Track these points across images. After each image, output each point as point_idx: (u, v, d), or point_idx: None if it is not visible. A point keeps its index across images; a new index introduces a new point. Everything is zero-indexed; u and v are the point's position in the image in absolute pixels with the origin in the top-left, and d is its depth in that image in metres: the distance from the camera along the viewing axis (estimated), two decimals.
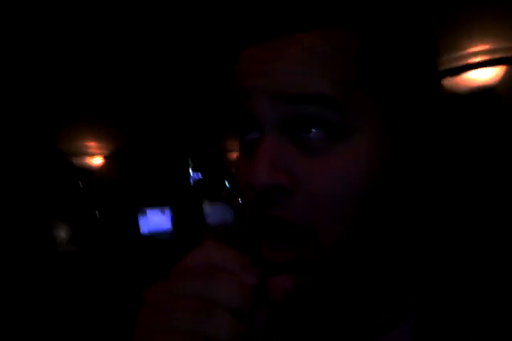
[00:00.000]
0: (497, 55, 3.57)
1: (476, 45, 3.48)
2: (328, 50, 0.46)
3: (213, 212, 6.54)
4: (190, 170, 6.38)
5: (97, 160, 5.42)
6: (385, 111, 0.49)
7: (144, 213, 5.96)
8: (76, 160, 5.27)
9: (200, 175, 6.69)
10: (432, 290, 0.50)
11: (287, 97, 0.47)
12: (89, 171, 5.33)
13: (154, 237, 5.83)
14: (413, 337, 0.48)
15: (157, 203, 6.07)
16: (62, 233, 4.90)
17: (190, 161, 6.26)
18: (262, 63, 0.48)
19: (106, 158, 5.52)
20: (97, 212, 5.17)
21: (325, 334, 0.55)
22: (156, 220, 6.07)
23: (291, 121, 0.49)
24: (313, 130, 0.48)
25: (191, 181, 6.44)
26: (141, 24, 3.58)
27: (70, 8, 3.21)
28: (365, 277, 0.53)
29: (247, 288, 0.41)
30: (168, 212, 6.22)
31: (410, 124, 0.51)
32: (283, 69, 0.47)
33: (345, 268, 0.51)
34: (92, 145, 5.38)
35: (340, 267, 0.50)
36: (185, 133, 5.92)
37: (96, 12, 3.33)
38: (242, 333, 0.39)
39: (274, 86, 0.48)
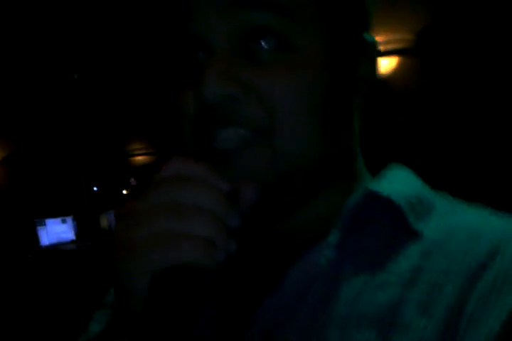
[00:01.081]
0: (389, 46, 3.74)
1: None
2: None
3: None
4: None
5: None
6: (329, 38, 0.50)
7: (43, 223, 5.60)
8: None
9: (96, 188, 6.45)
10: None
11: (240, 3, 0.47)
12: None
13: (57, 248, 5.50)
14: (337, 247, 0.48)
15: (57, 213, 5.74)
16: None
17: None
18: None
19: None
20: None
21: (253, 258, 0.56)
22: (57, 231, 5.73)
23: (240, 33, 0.48)
24: (263, 41, 0.48)
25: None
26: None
27: None
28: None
29: (222, 193, 0.42)
30: (69, 222, 5.90)
31: (345, 63, 0.52)
32: None
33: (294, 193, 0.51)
34: None
35: (289, 191, 0.50)
36: (83, 136, 5.68)
37: None
38: (222, 232, 0.40)
39: None
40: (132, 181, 6.87)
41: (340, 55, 0.51)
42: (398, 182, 0.53)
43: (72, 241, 5.86)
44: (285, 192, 0.50)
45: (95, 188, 6.64)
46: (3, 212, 5.21)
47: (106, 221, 6.15)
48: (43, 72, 4.67)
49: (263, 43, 0.48)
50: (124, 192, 6.76)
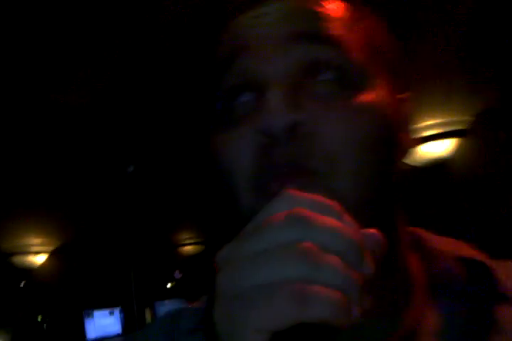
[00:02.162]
0: (448, 128, 3.75)
1: (427, 120, 3.65)
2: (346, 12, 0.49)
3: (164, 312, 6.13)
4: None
5: (40, 258, 5.03)
6: (387, 84, 0.49)
7: (91, 315, 5.46)
8: (18, 260, 4.86)
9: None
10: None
11: (299, 37, 0.46)
12: (32, 271, 4.90)
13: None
14: None
15: (105, 304, 5.61)
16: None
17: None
18: (266, 13, 0.48)
19: (50, 255, 5.14)
20: (39, 316, 4.68)
21: None
22: (104, 323, 5.57)
23: (298, 67, 0.46)
24: (325, 75, 0.46)
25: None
26: None
27: None
28: None
29: (357, 233, 0.33)
30: (117, 314, 5.75)
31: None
32: (303, 10, 0.47)
33: None
34: (35, 242, 5.02)
35: None
36: (133, 229, 5.72)
37: None
38: (360, 283, 0.32)
39: (291, 26, 0.46)
40: (177, 274, 6.77)
41: (392, 105, 0.49)
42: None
43: (119, 335, 5.67)
44: None
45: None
46: (54, 302, 5.12)
47: (150, 314, 5.99)
48: (98, 165, 4.83)
49: (326, 76, 0.45)
50: (169, 285, 6.65)
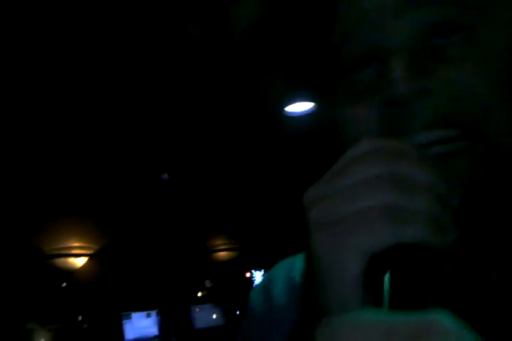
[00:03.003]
0: None
1: None
2: None
3: (201, 316, 6.23)
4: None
5: (81, 261, 5.25)
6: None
7: (129, 317, 5.62)
8: (59, 262, 5.09)
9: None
10: None
11: (417, 1, 0.43)
12: (73, 272, 5.12)
13: None
14: None
15: (143, 306, 5.76)
16: (42, 339, 4.54)
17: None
18: None
19: (89, 257, 5.34)
20: (79, 316, 4.87)
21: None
22: (141, 325, 5.71)
23: (420, 32, 0.44)
24: (454, 36, 0.43)
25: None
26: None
27: None
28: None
29: (437, 169, 0.35)
30: (154, 316, 5.89)
31: None
32: None
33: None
34: (75, 245, 5.24)
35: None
36: (171, 232, 5.86)
37: None
38: (448, 210, 0.34)
39: None
40: (207, 283, 6.83)
41: None
42: None
43: (156, 337, 5.80)
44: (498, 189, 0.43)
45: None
46: (92, 305, 5.30)
47: (186, 317, 6.09)
48: (137, 172, 4.97)
49: (450, 38, 0.43)
50: (199, 294, 6.70)
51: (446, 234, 0.33)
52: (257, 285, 0.66)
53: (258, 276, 7.24)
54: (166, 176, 5.23)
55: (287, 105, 4.20)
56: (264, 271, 7.22)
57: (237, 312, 6.29)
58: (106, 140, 4.25)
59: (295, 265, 0.61)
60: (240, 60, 3.33)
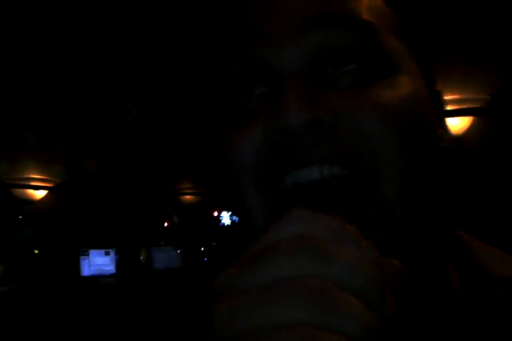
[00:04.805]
0: (465, 106, 3.62)
1: (445, 94, 3.52)
2: None
3: (160, 257, 6.23)
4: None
5: (40, 193, 5.07)
6: (419, 64, 0.45)
7: (87, 253, 5.58)
8: (17, 192, 4.91)
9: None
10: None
11: (315, 22, 0.40)
12: (31, 205, 4.96)
13: (97, 280, 5.44)
14: None
15: (101, 244, 5.72)
16: None
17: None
18: None
19: (50, 191, 5.18)
20: (35, 250, 4.79)
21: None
22: (99, 262, 5.69)
23: (315, 55, 0.41)
24: (345, 63, 0.41)
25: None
26: None
27: None
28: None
29: (377, 266, 0.28)
30: (112, 254, 5.86)
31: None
32: None
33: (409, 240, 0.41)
34: (35, 177, 5.05)
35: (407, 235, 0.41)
36: (137, 172, 5.74)
37: None
38: (377, 326, 0.27)
39: (310, 6, 0.40)
40: (175, 218, 6.85)
41: (425, 85, 0.45)
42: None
43: (112, 275, 5.80)
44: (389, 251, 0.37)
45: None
46: (49, 239, 5.22)
47: (144, 255, 6.10)
48: (103, 107, 4.80)
49: (348, 66, 0.41)
50: (165, 224, 6.74)
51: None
52: None
53: (225, 216, 7.25)
54: (135, 112, 5.05)
55: None
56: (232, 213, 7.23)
57: (199, 256, 6.34)
58: (73, 72, 4.04)
59: None
60: None
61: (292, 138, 0.39)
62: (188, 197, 6.94)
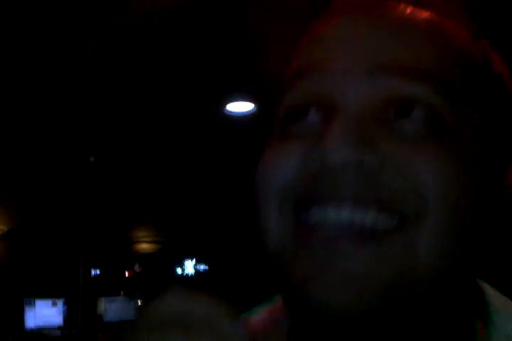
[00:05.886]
0: None
1: None
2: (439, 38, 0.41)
3: (112, 309, 5.99)
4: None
5: None
6: (483, 127, 0.41)
7: (33, 304, 5.33)
8: None
9: (97, 271, 6.26)
10: None
11: (389, 70, 0.39)
12: None
13: (42, 333, 5.18)
14: None
15: (48, 294, 5.48)
16: None
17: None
18: (355, 33, 0.41)
19: None
20: None
21: None
22: (45, 314, 5.43)
23: (381, 100, 0.39)
24: (411, 113, 0.39)
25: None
26: None
27: None
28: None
29: None
30: (60, 305, 5.62)
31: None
32: (392, 40, 0.40)
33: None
34: None
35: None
36: (85, 220, 5.61)
37: None
38: None
39: (386, 50, 0.40)
40: (136, 267, 6.69)
41: (493, 148, 0.42)
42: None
43: (59, 327, 5.53)
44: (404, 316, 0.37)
45: (96, 271, 6.45)
46: None
47: (103, 306, 5.87)
48: (60, 153, 4.73)
49: (411, 116, 0.39)
50: (127, 274, 6.57)
51: None
52: None
53: (190, 266, 7.06)
54: (91, 159, 4.99)
55: (227, 103, 4.06)
56: (196, 261, 7.04)
57: None
58: (26, 118, 4.00)
59: None
60: (181, 52, 3.20)
61: (328, 174, 0.38)
62: (146, 245, 6.81)
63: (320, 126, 0.40)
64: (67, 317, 5.60)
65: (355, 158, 0.37)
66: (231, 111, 4.22)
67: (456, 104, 0.39)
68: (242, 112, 4.24)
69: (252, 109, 4.20)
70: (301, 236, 0.38)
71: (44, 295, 5.41)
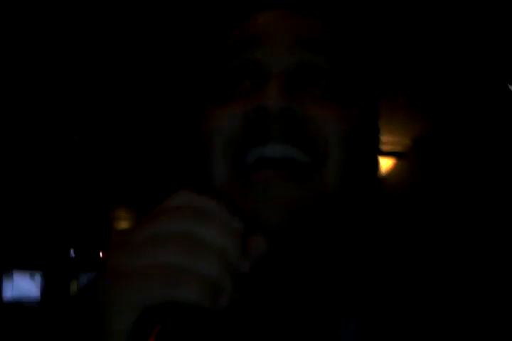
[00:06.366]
0: (387, 148, 3.81)
1: None
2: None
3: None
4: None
5: None
6: (367, 92, 0.57)
7: (11, 276, 5.38)
8: None
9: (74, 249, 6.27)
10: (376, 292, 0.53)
11: (302, 43, 0.52)
12: None
13: (19, 304, 5.23)
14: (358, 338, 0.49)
15: (27, 266, 5.53)
16: None
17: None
18: (280, 17, 0.55)
19: None
20: None
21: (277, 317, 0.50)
22: (23, 286, 5.50)
23: (296, 66, 0.51)
24: (316, 77, 0.52)
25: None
26: None
27: None
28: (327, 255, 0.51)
29: (238, 233, 0.38)
30: (38, 278, 5.67)
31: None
32: (304, 22, 0.54)
33: (324, 231, 0.49)
34: None
35: (322, 227, 0.49)
36: (70, 195, 5.62)
37: None
38: (231, 276, 0.36)
39: (296, 32, 0.53)
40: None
41: (371, 108, 0.57)
42: None
43: (36, 300, 5.59)
44: (316, 226, 0.48)
45: (72, 251, 6.44)
46: None
47: (76, 286, 5.93)
48: (43, 131, 4.71)
49: (317, 82, 0.52)
50: (101, 254, 6.58)
51: (222, 296, 0.35)
52: None
53: None
54: (76, 138, 4.98)
55: None
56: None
57: None
58: (8, 98, 3.98)
59: None
60: None
61: (267, 119, 0.47)
62: (124, 224, 6.83)
63: (255, 89, 0.50)
64: (45, 291, 5.67)
65: (289, 106, 0.47)
66: None
67: (336, 62, 0.53)
68: None
69: None
70: (243, 175, 0.48)
71: (22, 267, 5.46)
